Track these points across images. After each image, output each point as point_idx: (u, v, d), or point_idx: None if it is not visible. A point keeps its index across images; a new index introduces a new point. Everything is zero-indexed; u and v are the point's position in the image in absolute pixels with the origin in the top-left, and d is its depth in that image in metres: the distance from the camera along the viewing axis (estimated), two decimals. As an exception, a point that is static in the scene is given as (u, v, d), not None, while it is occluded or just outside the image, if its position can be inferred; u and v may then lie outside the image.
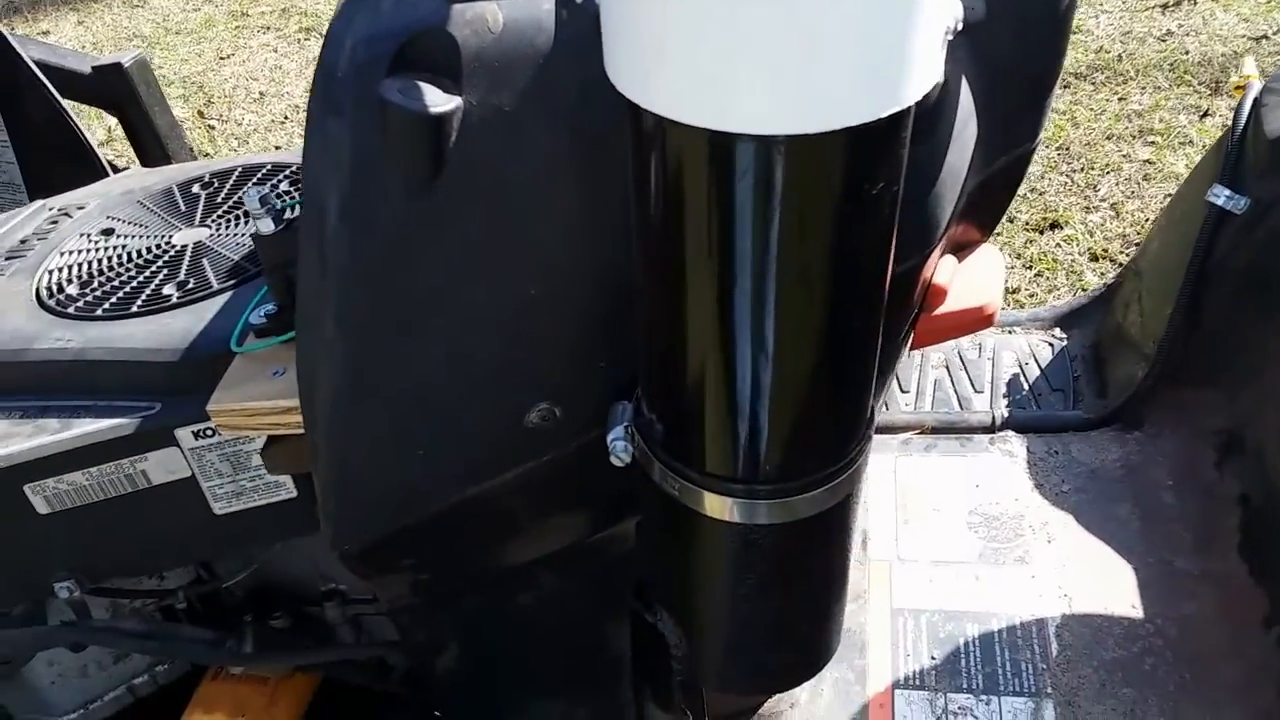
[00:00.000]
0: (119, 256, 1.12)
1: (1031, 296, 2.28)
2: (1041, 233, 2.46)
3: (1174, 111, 2.77)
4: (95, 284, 1.08)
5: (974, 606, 1.33)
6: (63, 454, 0.95)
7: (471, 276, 0.73)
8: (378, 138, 0.67)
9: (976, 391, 1.67)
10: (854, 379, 0.70)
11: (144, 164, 1.66)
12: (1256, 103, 1.43)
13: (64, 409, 0.97)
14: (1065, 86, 2.97)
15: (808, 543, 0.77)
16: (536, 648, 1.11)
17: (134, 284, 1.07)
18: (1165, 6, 3.27)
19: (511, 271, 0.74)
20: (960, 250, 1.02)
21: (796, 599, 0.84)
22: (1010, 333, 1.78)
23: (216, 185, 1.23)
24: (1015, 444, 1.55)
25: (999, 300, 1.00)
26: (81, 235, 1.17)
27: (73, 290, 1.07)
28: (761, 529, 0.73)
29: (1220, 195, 1.42)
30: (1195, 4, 3.24)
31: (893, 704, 1.25)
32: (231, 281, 1.04)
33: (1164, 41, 3.11)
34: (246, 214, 0.89)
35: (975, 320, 0.99)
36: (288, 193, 1.17)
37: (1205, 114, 2.73)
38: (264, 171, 1.23)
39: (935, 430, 1.60)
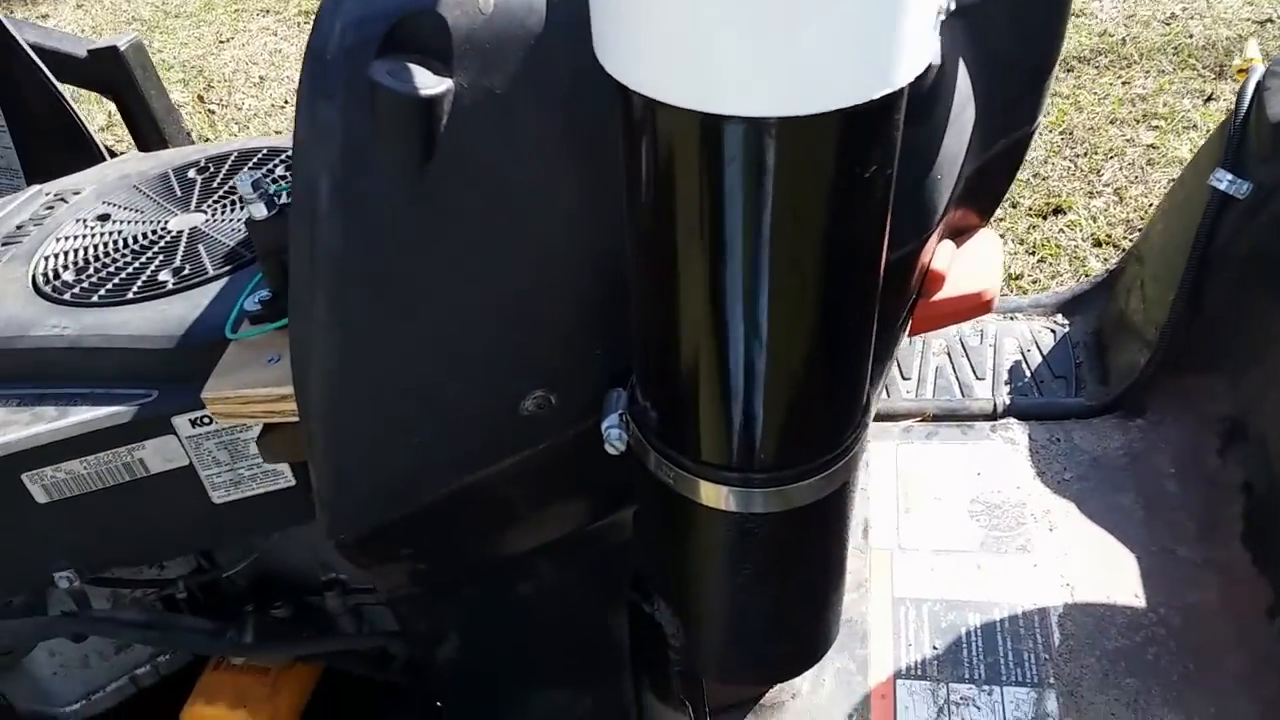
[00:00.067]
0: (115, 242, 1.11)
1: (1034, 282, 2.27)
2: (1044, 218, 2.44)
3: (1178, 95, 2.76)
4: (91, 270, 1.07)
5: (976, 596, 1.33)
6: (60, 442, 0.95)
7: (464, 261, 0.73)
8: (368, 121, 0.66)
9: (978, 378, 1.66)
10: (849, 365, 0.69)
11: (141, 148, 1.65)
12: (1259, 86, 1.41)
13: (61, 396, 0.97)
14: (1068, 70, 2.95)
15: (804, 531, 0.77)
16: (536, 637, 1.11)
17: (130, 270, 1.06)
18: (1171, -10, 3.25)
19: (505, 256, 0.73)
20: (959, 235, 1.01)
21: (794, 588, 0.83)
22: (1012, 319, 1.77)
23: (212, 170, 1.22)
24: (1017, 431, 1.54)
25: (998, 285, 0.99)
26: (77, 221, 1.16)
27: (69, 276, 1.07)
28: (757, 518, 0.72)
29: (1223, 180, 1.40)
30: (1201, -13, 3.22)
31: (894, 694, 1.24)
32: (227, 267, 1.03)
33: (1168, 25, 3.09)
34: (242, 199, 0.89)
35: (974, 306, 0.98)
36: (283, 177, 1.16)
37: (1209, 98, 2.71)
38: (260, 156, 1.22)
39: (937, 418, 1.59)
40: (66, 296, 1.03)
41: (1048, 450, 1.50)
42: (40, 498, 0.98)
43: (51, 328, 0.99)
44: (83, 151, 1.59)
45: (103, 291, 1.03)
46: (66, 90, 1.60)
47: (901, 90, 0.54)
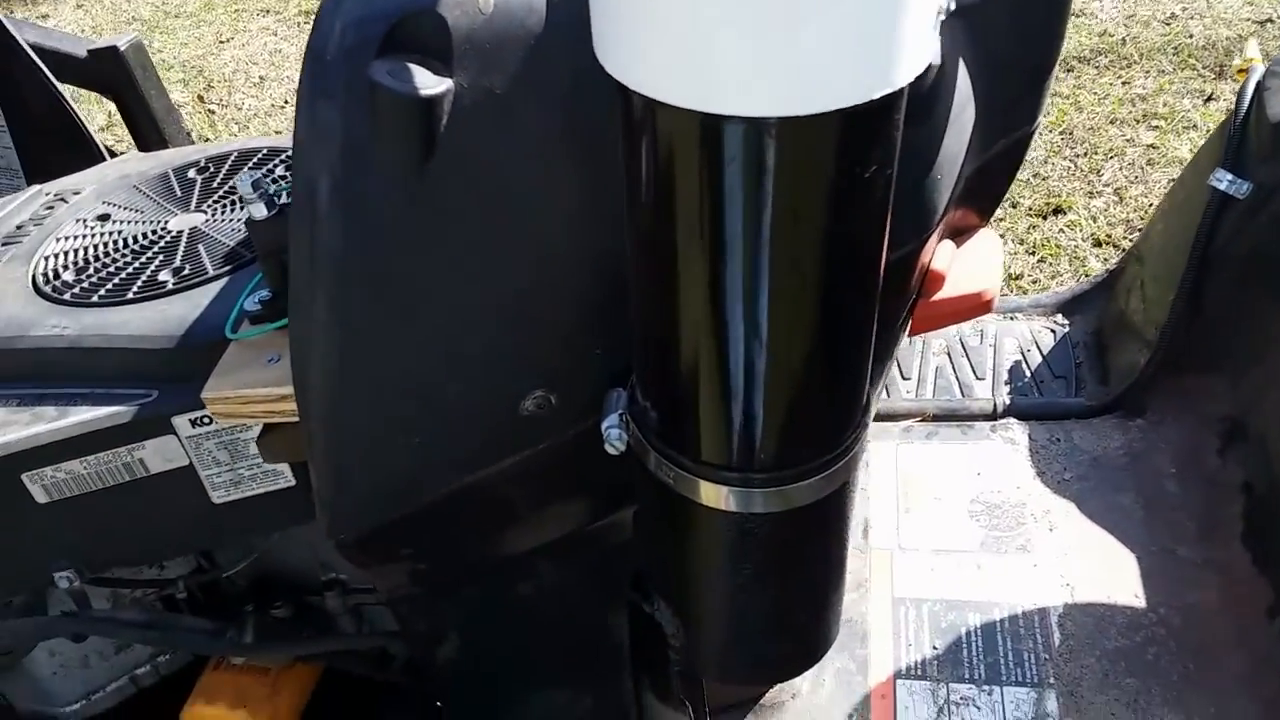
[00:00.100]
0: (115, 242, 1.11)
1: (1035, 283, 2.27)
2: (1045, 218, 2.44)
3: (1178, 96, 2.76)
4: (91, 270, 1.07)
5: (976, 596, 1.33)
6: (60, 442, 0.95)
7: (464, 261, 0.73)
8: (368, 121, 0.66)
9: (978, 378, 1.66)
10: (849, 365, 0.69)
11: (141, 148, 1.65)
12: (1259, 86, 1.41)
13: (61, 396, 0.97)
14: (1068, 70, 2.95)
15: (804, 531, 0.77)
16: (536, 637, 1.11)
17: (130, 270, 1.06)
18: (1171, -10, 3.25)
19: (505, 256, 0.73)
20: (959, 235, 1.01)
21: (794, 588, 0.83)
22: (1012, 319, 1.77)
23: (212, 170, 1.22)
24: (1017, 431, 1.54)
25: (998, 285, 0.99)
26: (77, 221, 1.16)
27: (69, 276, 1.07)
28: (757, 518, 0.72)
29: (1223, 180, 1.40)
30: (1201, -13, 3.22)
31: (894, 694, 1.24)
32: (227, 267, 1.03)
33: (1168, 25, 3.09)
34: (242, 199, 0.89)
35: (974, 306, 0.98)
36: (283, 177, 1.16)
37: (1209, 98, 2.71)
38: (260, 156, 1.22)
39: (937, 418, 1.59)
40: (66, 296, 1.03)
41: (1048, 450, 1.50)
42: (40, 498, 0.98)
43: (51, 328, 0.99)
44: (83, 151, 1.59)
45: (103, 291, 1.03)
46: (67, 90, 1.60)
47: (901, 90, 0.54)
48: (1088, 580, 1.32)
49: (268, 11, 4.36)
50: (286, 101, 3.61)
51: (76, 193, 1.23)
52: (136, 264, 1.07)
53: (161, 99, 1.64)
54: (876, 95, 0.51)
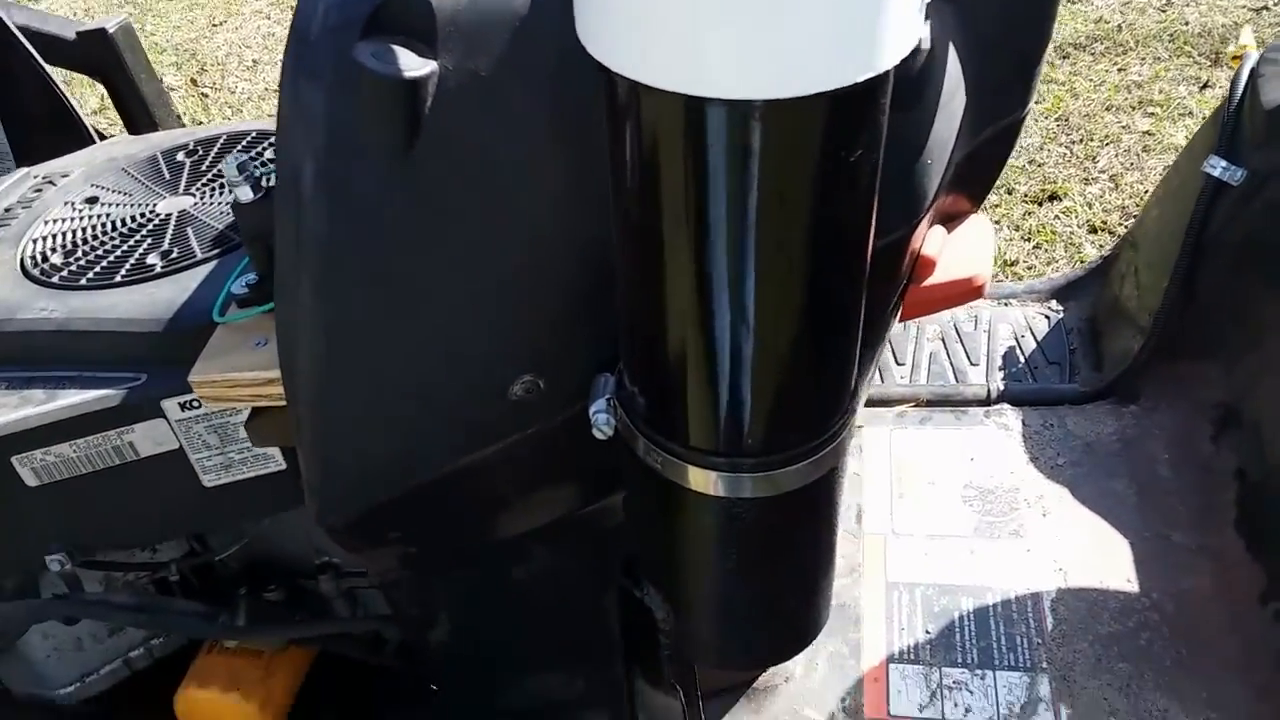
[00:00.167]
0: (103, 225, 1.11)
1: (1030, 269, 2.27)
2: (1040, 204, 2.44)
3: (1173, 83, 2.75)
4: (79, 253, 1.07)
5: (969, 580, 1.33)
6: (49, 425, 0.95)
7: (451, 245, 0.72)
8: (351, 103, 0.66)
9: (972, 364, 1.66)
10: (836, 350, 0.69)
11: (131, 131, 1.64)
12: (1254, 73, 1.41)
13: (49, 380, 0.97)
14: (1064, 57, 2.94)
15: (793, 516, 0.77)
16: (529, 621, 1.11)
17: (118, 253, 1.06)
18: (1167, -25, 3.23)
19: (492, 241, 0.73)
20: (950, 221, 1.01)
21: (783, 573, 0.83)
22: (1006, 305, 1.77)
23: (201, 153, 1.21)
24: (1011, 417, 1.54)
25: (988, 271, 0.99)
26: (66, 204, 1.16)
27: (56, 259, 1.06)
28: (745, 503, 0.72)
29: (1216, 166, 1.40)
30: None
31: (887, 678, 1.25)
32: (216, 251, 1.03)
33: (1164, 12, 3.08)
34: (228, 182, 0.88)
35: (964, 291, 0.98)
36: (271, 160, 1.16)
37: (1205, 85, 2.70)
38: (249, 139, 1.21)
39: (930, 403, 1.59)
40: (54, 279, 1.03)
41: (1041, 436, 1.50)
42: (30, 481, 0.98)
43: (39, 311, 0.99)
44: (72, 134, 1.57)
45: (91, 274, 1.03)
46: (59, 74, 1.58)
47: (887, 74, 0.54)
48: (1081, 565, 1.32)
49: (262, -5, 4.33)
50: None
51: (65, 175, 1.22)
52: (125, 247, 1.06)
53: (151, 82, 1.63)
54: (861, 78, 0.51)
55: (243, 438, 0.96)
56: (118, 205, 1.14)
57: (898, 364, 1.68)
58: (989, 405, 1.57)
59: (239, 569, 1.21)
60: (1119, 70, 2.85)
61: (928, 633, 1.28)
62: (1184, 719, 1.15)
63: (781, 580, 0.84)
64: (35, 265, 1.05)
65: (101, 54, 1.59)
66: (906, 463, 1.49)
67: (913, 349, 1.71)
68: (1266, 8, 2.98)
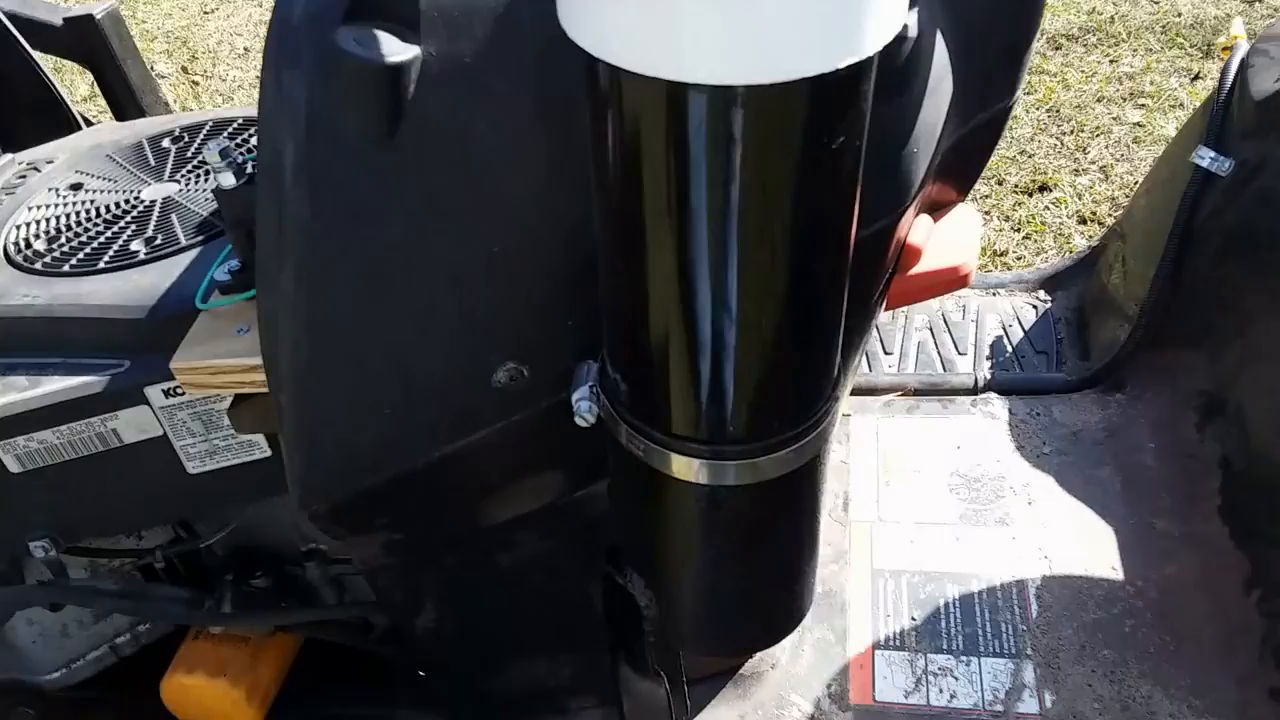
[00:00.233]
0: (87, 212, 1.10)
1: (1019, 259, 2.27)
2: (1030, 195, 2.44)
3: (1165, 74, 2.75)
4: (63, 239, 1.06)
5: (954, 568, 1.33)
6: (32, 412, 0.94)
7: (433, 232, 0.72)
8: (333, 89, 0.65)
9: (960, 353, 1.66)
10: (819, 338, 0.69)
11: (118, 118, 1.63)
12: (1243, 64, 1.41)
13: (32, 366, 0.96)
14: (1056, 48, 2.94)
15: (775, 504, 0.77)
16: (515, 608, 1.11)
17: (102, 240, 1.05)
18: (1160, -34, 3.23)
19: (474, 228, 0.73)
20: (936, 210, 1.01)
21: (765, 560, 0.83)
22: (994, 295, 1.77)
23: (187, 139, 1.21)
24: (997, 406, 1.54)
25: (975, 260, 0.99)
26: (50, 190, 1.15)
27: (40, 246, 1.06)
28: (728, 490, 0.72)
29: (1205, 157, 1.40)
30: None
31: (873, 664, 1.25)
32: (200, 237, 1.02)
33: (1156, 3, 3.08)
34: (210, 168, 0.88)
35: (950, 280, 0.98)
36: (254, 146, 1.15)
37: (1196, 77, 2.71)
38: (235, 125, 1.21)
39: (918, 392, 1.60)
40: (38, 266, 1.02)
41: (1028, 424, 1.50)
42: (13, 467, 0.97)
43: (22, 297, 0.98)
44: (59, 121, 1.56)
45: (74, 261, 1.02)
46: (50, 61, 1.57)
47: (870, 59, 0.53)
48: (1066, 553, 1.33)
49: (252, -18, 4.30)
50: (271, 73, 3.57)
51: (50, 162, 1.22)
52: (109, 233, 1.06)
53: (138, 68, 1.62)
54: (844, 64, 0.51)
55: (227, 425, 0.96)
56: (102, 192, 1.13)
57: (886, 353, 1.68)
58: (976, 394, 1.58)
59: (225, 555, 1.21)
60: (1111, 61, 2.85)
61: (913, 619, 1.28)
62: (1166, 705, 1.16)
63: (764, 568, 0.84)
64: (18, 252, 1.05)
65: (88, 40, 1.58)
66: (893, 451, 1.50)
67: (901, 338, 1.71)
68: (1259, -1, 2.98)
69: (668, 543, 0.83)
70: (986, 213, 2.39)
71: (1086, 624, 1.25)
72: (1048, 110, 2.70)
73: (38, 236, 1.07)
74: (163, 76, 3.57)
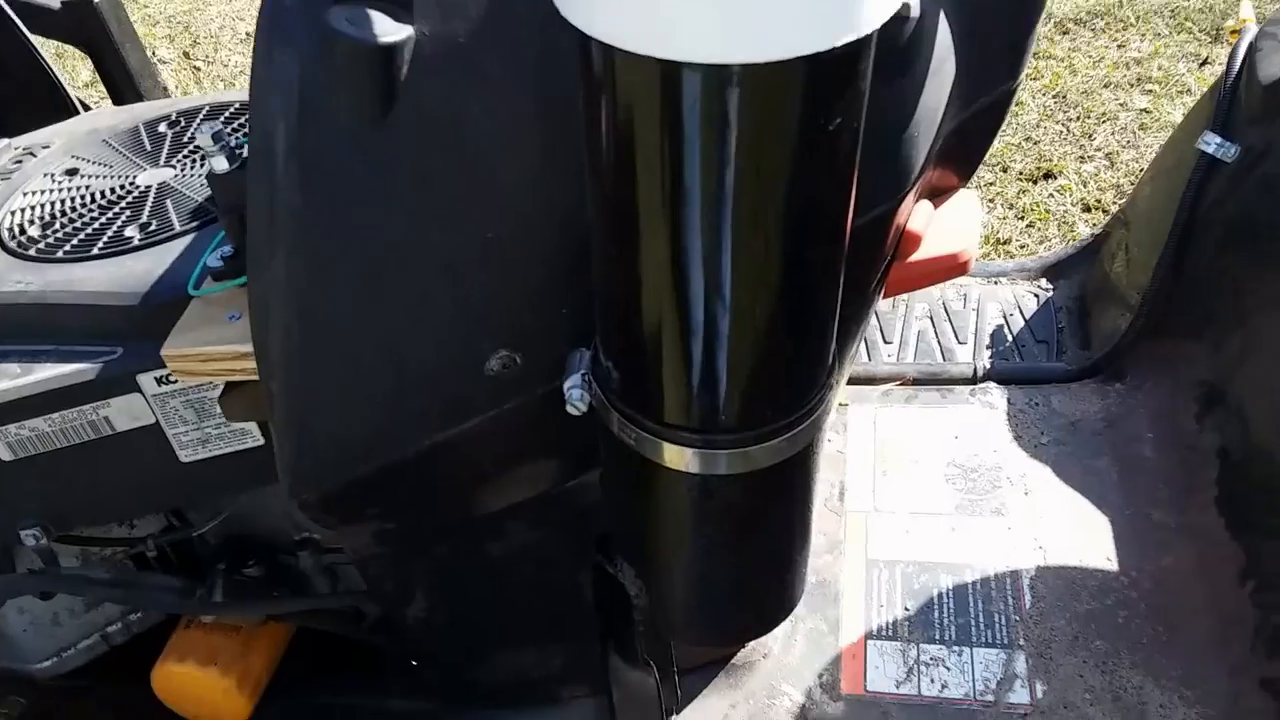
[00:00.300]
0: (82, 197, 1.09)
1: (1022, 247, 2.25)
2: (1035, 182, 2.43)
3: (1173, 60, 2.73)
4: (57, 225, 1.05)
5: (949, 558, 1.33)
6: (24, 399, 0.94)
7: (426, 217, 0.71)
8: (325, 69, 0.65)
9: (960, 343, 1.66)
10: (814, 325, 0.68)
11: (116, 103, 1.62)
12: (1251, 48, 1.39)
13: (24, 353, 0.96)
14: (1064, 33, 2.92)
15: (768, 493, 0.76)
16: (506, 597, 1.11)
17: (96, 225, 1.04)
18: (1168, -49, 3.20)
19: (467, 213, 0.72)
20: (937, 196, 1.00)
21: (757, 550, 0.83)
22: (996, 283, 1.76)
23: (183, 124, 1.20)
24: (996, 396, 1.54)
25: (975, 247, 0.98)
26: (45, 175, 1.14)
27: (34, 232, 1.05)
28: (719, 479, 0.72)
29: (1210, 143, 1.39)
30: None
31: (865, 654, 1.25)
32: (195, 223, 1.02)
33: (1165, -13, 3.05)
34: (202, 152, 0.87)
35: (950, 267, 0.97)
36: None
37: (1204, 62, 2.69)
38: (232, 110, 1.20)
39: (917, 381, 1.59)
40: (32, 252, 1.02)
41: (1026, 414, 1.50)
42: (4, 455, 0.97)
43: (15, 283, 0.98)
44: (57, 105, 1.56)
45: (68, 247, 1.02)
46: (51, 45, 1.57)
47: (869, 38, 0.52)
48: (1061, 543, 1.32)
49: (254, -35, 4.28)
50: (272, 57, 3.55)
51: (45, 147, 1.21)
52: (103, 219, 1.05)
53: (136, 52, 1.61)
54: (841, 43, 0.50)
55: (220, 413, 0.95)
56: (97, 177, 1.13)
57: (885, 342, 1.68)
58: (975, 384, 1.57)
59: (218, 544, 1.21)
60: (1118, 46, 2.83)
61: (906, 610, 1.28)
62: (1158, 695, 1.16)
63: (755, 557, 0.83)
64: (12, 238, 1.04)
65: (87, 24, 1.58)
66: (890, 441, 1.49)
67: (900, 327, 1.70)
68: (1268, -16, 2.95)
69: (659, 532, 0.83)
70: (990, 200, 2.38)
71: (1080, 614, 1.25)
72: (1054, 96, 2.68)
73: (32, 222, 1.06)
74: (164, 62, 3.56)
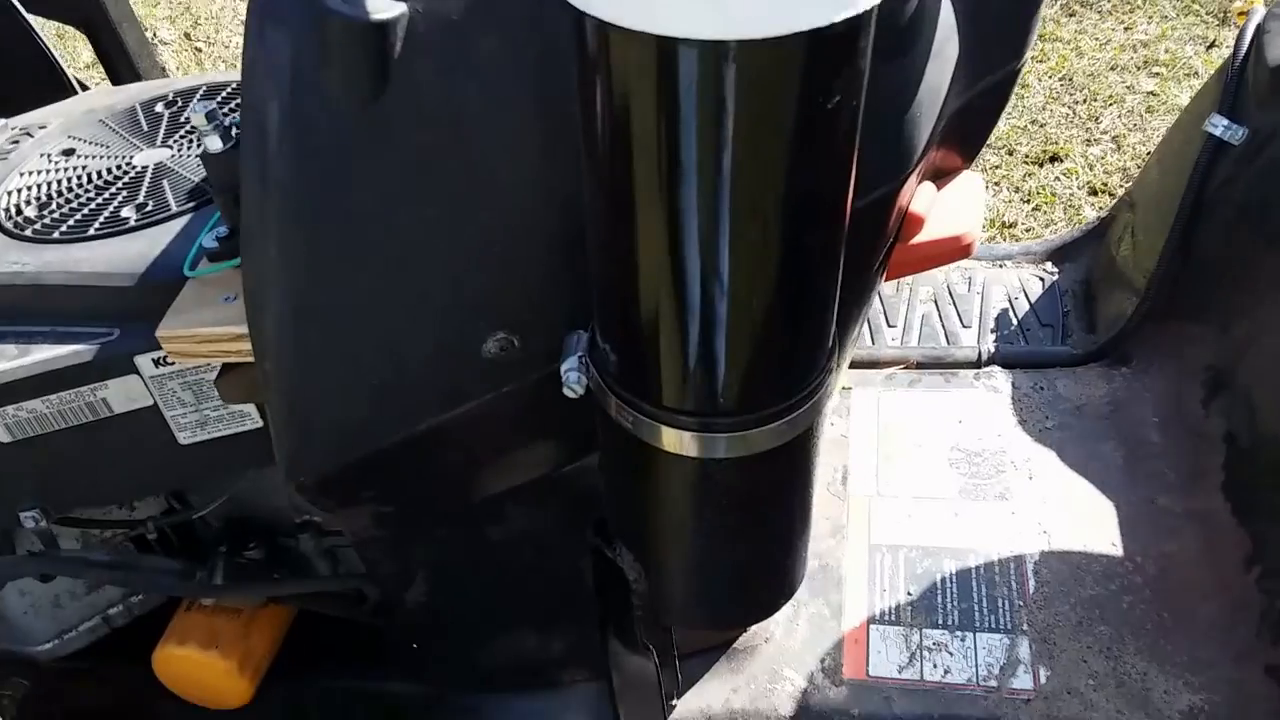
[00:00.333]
0: (79, 177, 1.09)
1: (1028, 231, 2.24)
2: (1041, 166, 2.41)
3: (1180, 42, 2.70)
4: (53, 206, 1.05)
5: (952, 543, 1.32)
6: (21, 381, 0.93)
7: (420, 197, 0.70)
8: (318, 47, 0.64)
9: (964, 326, 1.64)
10: (813, 308, 0.67)
11: (115, 83, 1.61)
12: (1259, 30, 1.38)
13: (21, 335, 0.95)
14: (1070, 15, 2.89)
15: (767, 477, 0.76)
16: (505, 581, 1.10)
17: (93, 206, 1.04)
18: (1177, -68, 3.17)
19: (462, 194, 0.71)
20: (940, 177, 0.98)
21: (756, 535, 0.82)
22: (1001, 267, 1.75)
23: (181, 104, 1.19)
24: (1000, 380, 1.53)
25: (978, 229, 0.97)
26: (42, 156, 1.13)
27: (31, 212, 1.04)
28: (718, 463, 0.71)
29: (1218, 125, 1.37)
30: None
31: (868, 639, 1.24)
32: (192, 203, 1.01)
33: (1174, -32, 3.02)
34: (196, 132, 0.86)
35: (953, 250, 0.96)
36: (242, 108, 1.13)
37: (1211, 45, 2.66)
38: (228, 90, 1.19)
39: (921, 365, 1.58)
40: (28, 232, 1.01)
41: (1031, 398, 1.49)
42: (3, 436, 0.97)
43: (12, 264, 0.97)
44: (55, 86, 1.55)
45: (65, 227, 1.01)
46: (52, 26, 1.56)
47: (868, 13, 0.51)
48: (1065, 528, 1.31)
49: (256, -54, 4.25)
50: (274, 39, 3.53)
51: (42, 127, 1.20)
52: (100, 200, 1.05)
53: (134, 32, 1.60)
54: (840, 18, 0.49)
55: (218, 395, 0.95)
56: (94, 157, 1.12)
57: (889, 326, 1.67)
58: (979, 368, 1.56)
59: (219, 527, 1.20)
60: (1125, 29, 2.81)
61: (909, 594, 1.27)
62: (1162, 681, 1.15)
63: (754, 542, 0.83)
64: (9, 218, 1.03)
65: (84, 4, 1.57)
66: (894, 425, 1.48)
67: (905, 311, 1.69)
68: (1277, -35, 2.92)
69: (657, 516, 0.82)
70: (996, 183, 2.37)
71: (1084, 600, 1.24)
72: (1060, 79, 2.66)
73: (29, 203, 1.06)
74: (165, 43, 3.54)
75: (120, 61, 1.61)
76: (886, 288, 1.73)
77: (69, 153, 1.13)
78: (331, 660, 1.32)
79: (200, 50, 3.56)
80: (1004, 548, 1.30)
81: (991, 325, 1.64)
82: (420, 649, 1.20)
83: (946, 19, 0.83)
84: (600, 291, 0.70)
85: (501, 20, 0.67)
